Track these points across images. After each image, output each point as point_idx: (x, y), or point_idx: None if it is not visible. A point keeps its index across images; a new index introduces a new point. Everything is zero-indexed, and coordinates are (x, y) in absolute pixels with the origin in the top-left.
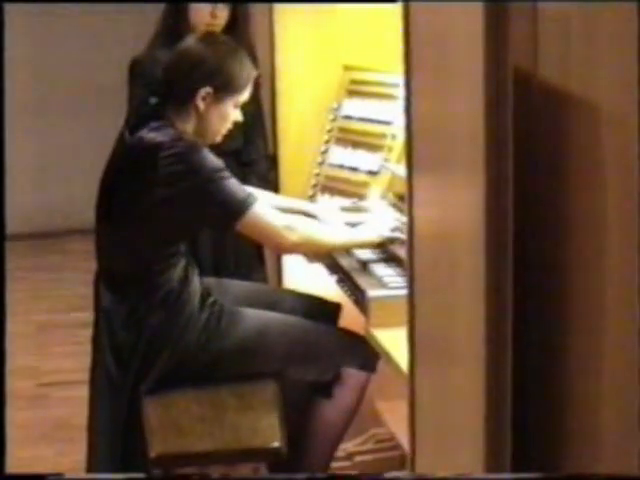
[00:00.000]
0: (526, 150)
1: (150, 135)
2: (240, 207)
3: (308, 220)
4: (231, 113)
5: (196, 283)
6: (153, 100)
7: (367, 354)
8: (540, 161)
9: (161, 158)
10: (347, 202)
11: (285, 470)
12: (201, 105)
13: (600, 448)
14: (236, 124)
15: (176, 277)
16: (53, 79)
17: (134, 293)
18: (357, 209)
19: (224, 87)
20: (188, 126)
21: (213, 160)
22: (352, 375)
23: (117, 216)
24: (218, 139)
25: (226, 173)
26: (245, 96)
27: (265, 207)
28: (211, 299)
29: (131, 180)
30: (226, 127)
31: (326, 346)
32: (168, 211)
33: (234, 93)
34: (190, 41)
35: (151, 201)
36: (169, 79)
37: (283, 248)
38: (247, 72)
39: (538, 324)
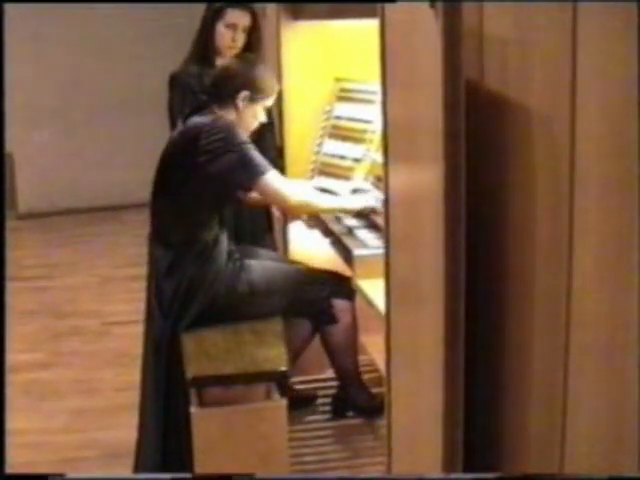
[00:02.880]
0: (475, 144)
1: (196, 119)
2: (259, 170)
3: (308, 189)
4: (260, 114)
5: (224, 243)
6: (203, 97)
7: (348, 288)
8: (485, 153)
9: (204, 132)
10: (337, 182)
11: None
12: (240, 105)
13: (526, 447)
14: None
15: (210, 238)
16: (118, 84)
17: (177, 247)
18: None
19: (258, 91)
20: (227, 118)
21: (243, 135)
22: (341, 303)
23: (167, 187)
24: (248, 134)
25: (252, 146)
26: (271, 101)
27: (277, 175)
28: (235, 256)
29: (181, 154)
30: (255, 124)
31: (320, 282)
32: (204, 178)
33: (265, 97)
34: (231, 60)
35: (192, 168)
36: (216, 83)
37: (287, 208)
38: (274, 82)
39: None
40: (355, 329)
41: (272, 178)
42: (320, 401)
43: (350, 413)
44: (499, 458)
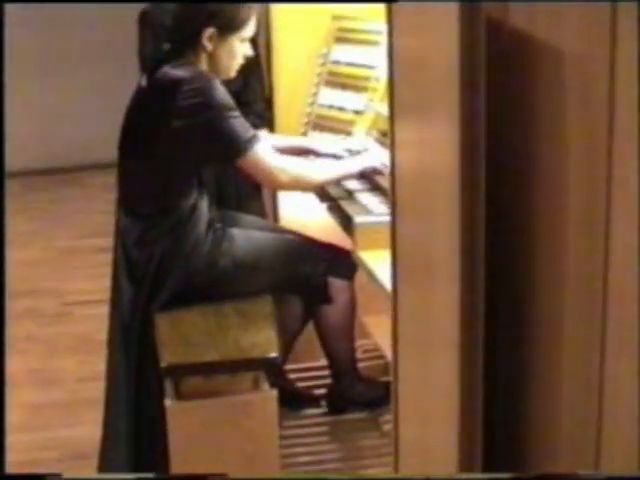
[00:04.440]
0: (496, 92)
1: (174, 71)
2: (242, 146)
3: (299, 162)
4: (239, 49)
5: (204, 210)
6: (166, 46)
7: (348, 264)
8: (509, 102)
9: (182, 92)
10: (335, 138)
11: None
12: (208, 45)
13: (557, 448)
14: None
15: (187, 205)
16: (71, 30)
17: (149, 215)
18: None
19: (227, 24)
20: (201, 66)
21: (226, 98)
22: (339, 282)
23: (138, 149)
24: (232, 74)
25: (236, 112)
26: (250, 31)
27: (264, 149)
28: (216, 225)
29: (152, 112)
30: (237, 63)
31: (314, 257)
32: (180, 144)
33: (236, 30)
34: None
35: (167, 132)
36: (176, 25)
37: (276, 187)
38: (245, 9)
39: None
40: (353, 311)
41: (257, 154)
42: (315, 392)
43: (349, 407)
44: (524, 456)
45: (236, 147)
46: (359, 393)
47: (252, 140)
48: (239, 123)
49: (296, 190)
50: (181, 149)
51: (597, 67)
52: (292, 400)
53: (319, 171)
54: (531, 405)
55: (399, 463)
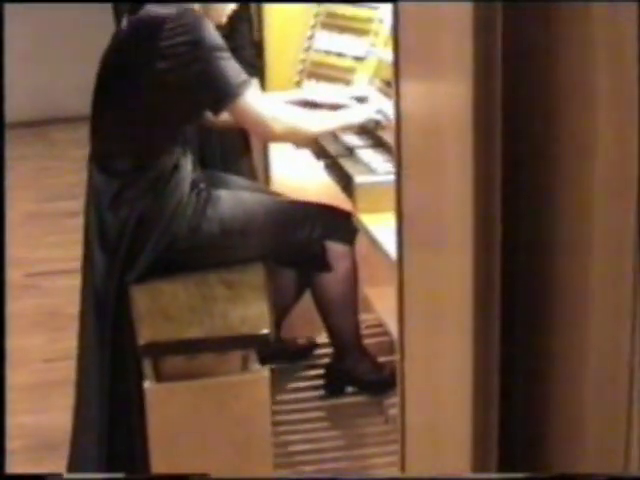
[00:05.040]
0: (514, 39)
1: (156, 8)
2: (233, 91)
3: (295, 110)
4: None
5: (187, 169)
6: None
7: (347, 227)
8: (528, 52)
9: (166, 30)
10: (333, 88)
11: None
12: None
13: (582, 447)
14: None
15: (169, 162)
16: None
17: (125, 174)
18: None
19: None
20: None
21: (217, 37)
22: (338, 247)
23: (115, 97)
24: (224, 19)
25: (226, 54)
26: None
27: (256, 95)
28: (200, 185)
29: (133, 55)
30: (231, 7)
31: (309, 220)
32: (163, 89)
33: None
34: None
35: (149, 76)
36: None
37: (268, 138)
38: None
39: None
40: (355, 280)
41: (248, 100)
42: (312, 373)
43: (350, 389)
44: (545, 455)
45: (226, 92)
46: (363, 373)
47: (244, 85)
48: (230, 65)
49: (290, 142)
50: (165, 95)
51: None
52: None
53: (316, 121)
54: (553, 397)
55: (406, 453)
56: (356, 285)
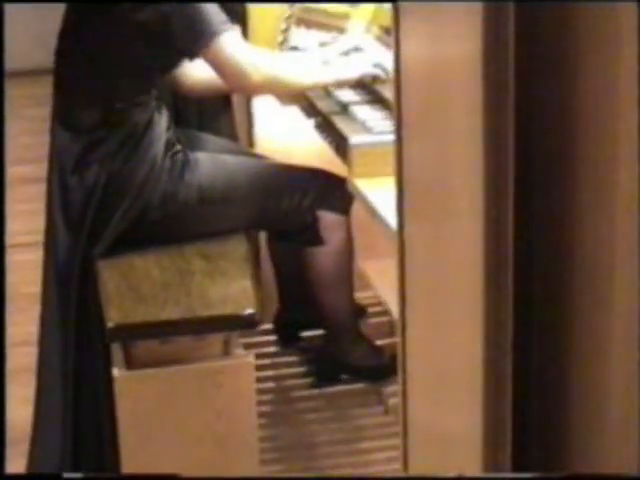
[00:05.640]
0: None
1: None
2: (210, 30)
3: (280, 58)
4: None
5: (162, 128)
6: None
7: (342, 196)
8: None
9: None
10: (326, 37)
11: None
12: None
13: (605, 445)
14: None
15: (141, 118)
16: None
17: (91, 131)
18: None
19: None
20: None
21: None
22: (331, 217)
23: (83, 41)
24: None
25: None
26: None
27: (237, 39)
28: (176, 147)
29: None
30: None
31: (299, 186)
32: (136, 30)
33: None
34: None
35: (120, 16)
36: None
37: (246, 88)
38: None
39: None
40: (350, 254)
41: (228, 42)
42: (302, 358)
43: (345, 376)
44: (563, 452)
45: (203, 30)
46: (359, 358)
47: (223, 25)
48: (209, 6)
49: (273, 94)
50: (137, 37)
51: None
52: None
53: (304, 73)
54: (574, 387)
55: (408, 449)
56: (351, 259)
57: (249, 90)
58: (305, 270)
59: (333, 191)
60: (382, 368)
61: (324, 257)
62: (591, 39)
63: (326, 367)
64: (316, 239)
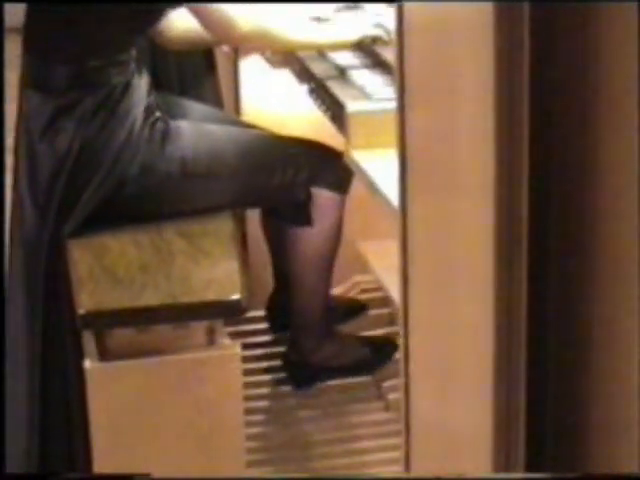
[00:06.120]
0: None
1: None
2: None
3: (268, 8)
4: None
5: (142, 93)
6: None
7: (340, 172)
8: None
9: None
10: None
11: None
12: None
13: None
14: None
15: (119, 80)
16: None
17: (63, 94)
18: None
19: None
20: None
21: None
22: (325, 195)
23: None
24: None
25: None
26: None
27: None
28: (156, 114)
29: None
30: None
31: (293, 161)
32: None
33: None
34: None
35: None
36: None
37: (230, 39)
38: None
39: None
40: (339, 240)
41: None
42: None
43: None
44: (580, 451)
45: None
46: (329, 358)
47: None
48: None
49: (259, 47)
50: None
51: None
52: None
53: (297, 27)
54: (593, 379)
55: (411, 448)
56: (338, 245)
57: (235, 40)
58: (287, 249)
59: (330, 166)
60: (362, 365)
61: (312, 238)
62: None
63: (295, 372)
64: (306, 219)
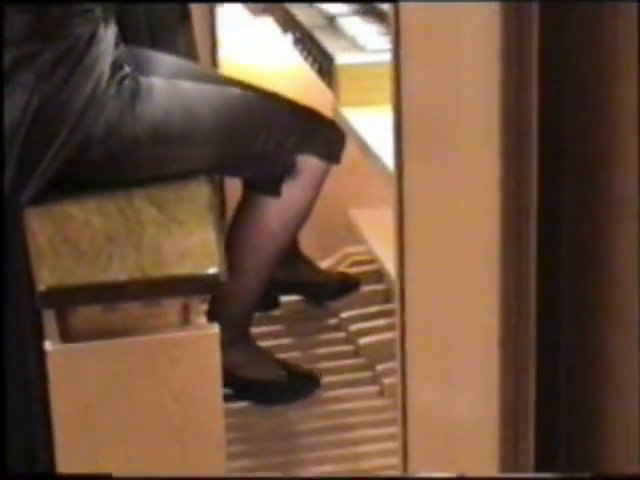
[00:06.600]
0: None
1: None
2: None
3: None
4: None
5: (109, 45)
6: None
7: (331, 139)
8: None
9: None
10: None
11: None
12: None
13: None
14: None
15: (83, 30)
16: None
17: (21, 44)
18: None
19: None
20: None
21: None
22: (309, 165)
23: None
24: None
25: None
26: None
27: None
28: (124, 70)
29: None
30: None
31: (279, 126)
32: None
33: None
34: None
35: None
36: None
37: None
38: None
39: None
40: (306, 216)
41: None
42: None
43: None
44: (595, 453)
45: None
46: (238, 365)
47: None
48: None
49: None
50: None
51: None
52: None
53: None
54: (609, 369)
55: (408, 438)
56: (302, 224)
57: None
58: (247, 220)
59: (321, 130)
60: (267, 386)
61: (283, 211)
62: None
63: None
64: (275, 188)
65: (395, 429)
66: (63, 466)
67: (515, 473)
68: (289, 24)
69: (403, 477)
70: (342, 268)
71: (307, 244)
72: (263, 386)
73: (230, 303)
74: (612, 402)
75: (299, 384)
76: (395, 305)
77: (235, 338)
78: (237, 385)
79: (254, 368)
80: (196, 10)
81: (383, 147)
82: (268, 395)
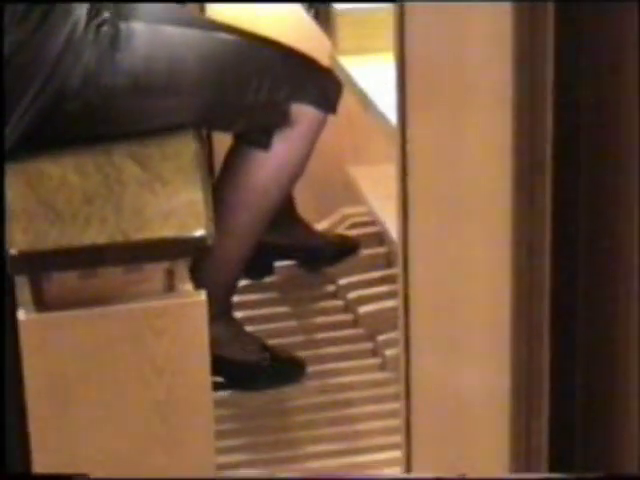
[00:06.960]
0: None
1: None
2: None
3: None
4: None
5: None
6: None
7: (327, 87)
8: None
9: None
10: None
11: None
12: None
13: None
14: None
15: None
16: None
17: None
18: None
19: None
20: None
21: None
22: (304, 116)
23: None
24: None
25: None
26: None
27: None
28: (103, 15)
29: None
30: None
31: (271, 73)
32: None
33: None
34: None
35: None
36: None
37: None
38: None
39: None
40: (299, 173)
41: None
42: (276, 296)
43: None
44: (614, 452)
45: None
46: (219, 342)
47: None
48: None
49: None
50: None
51: None
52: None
53: None
54: (630, 337)
55: (412, 415)
56: (294, 181)
57: None
58: (236, 175)
59: (316, 78)
60: (249, 367)
61: (275, 166)
62: None
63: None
64: (265, 141)
65: (397, 405)
66: (37, 446)
67: (526, 474)
68: None
69: (403, 477)
70: (340, 230)
71: (302, 204)
72: (244, 368)
73: (214, 270)
74: (632, 375)
75: (283, 369)
76: (398, 270)
77: (217, 312)
78: (215, 365)
79: (235, 347)
80: None
81: (384, 98)
82: (247, 378)
